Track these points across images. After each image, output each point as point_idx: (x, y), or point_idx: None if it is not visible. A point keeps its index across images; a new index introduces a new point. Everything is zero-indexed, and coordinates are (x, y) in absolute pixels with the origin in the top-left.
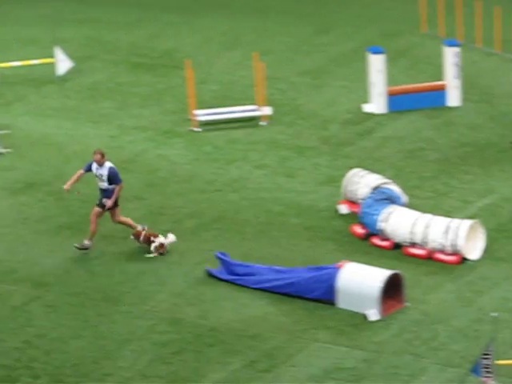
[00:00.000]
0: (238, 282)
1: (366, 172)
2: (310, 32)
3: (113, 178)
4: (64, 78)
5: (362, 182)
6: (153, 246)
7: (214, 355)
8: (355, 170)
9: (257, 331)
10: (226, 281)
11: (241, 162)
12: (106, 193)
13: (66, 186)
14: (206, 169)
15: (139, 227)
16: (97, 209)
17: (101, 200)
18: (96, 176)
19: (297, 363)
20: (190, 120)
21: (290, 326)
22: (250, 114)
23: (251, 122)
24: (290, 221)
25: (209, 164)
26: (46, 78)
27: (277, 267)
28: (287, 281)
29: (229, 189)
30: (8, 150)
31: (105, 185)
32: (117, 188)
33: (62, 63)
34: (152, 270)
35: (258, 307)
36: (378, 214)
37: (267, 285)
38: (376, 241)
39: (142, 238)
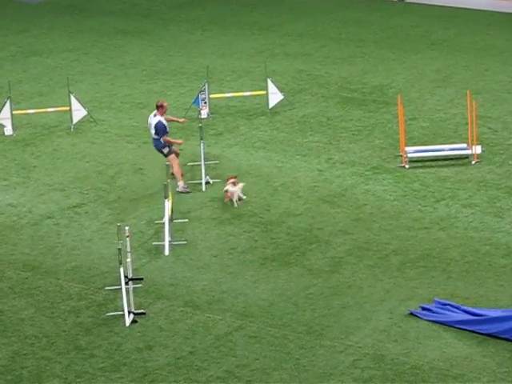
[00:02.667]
0: (442, 321)
1: None
2: None
3: (157, 129)
4: (275, 111)
5: None
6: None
7: None
8: None
9: (460, 372)
10: (430, 321)
11: (449, 201)
12: (156, 141)
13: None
14: (413, 206)
15: (181, 183)
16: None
17: (158, 150)
18: (148, 124)
19: None
20: (399, 156)
21: (494, 367)
22: (460, 152)
23: (461, 160)
24: (498, 261)
25: (416, 201)
26: (257, 110)
27: (481, 308)
28: (493, 322)
29: (436, 227)
30: (216, 180)
31: (153, 134)
32: (165, 138)
33: (274, 96)
34: (356, 304)
35: (462, 347)
36: None
37: (471, 326)
38: None
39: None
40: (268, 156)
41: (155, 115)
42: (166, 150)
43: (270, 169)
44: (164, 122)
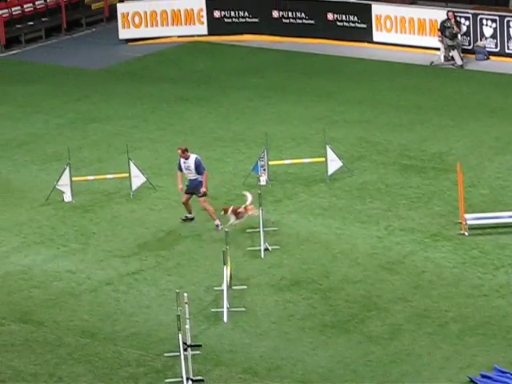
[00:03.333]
0: None
1: None
2: None
3: (198, 167)
4: (334, 178)
5: None
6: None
7: None
8: None
9: None
10: None
11: (508, 268)
12: (195, 182)
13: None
14: (472, 273)
15: (217, 221)
16: (198, 198)
17: (195, 189)
18: (185, 169)
19: None
20: (458, 223)
21: None
22: None
23: None
24: None
25: (476, 268)
26: (316, 177)
27: None
28: None
29: (495, 294)
30: (275, 246)
31: (192, 175)
32: (204, 176)
33: (333, 163)
34: (415, 372)
35: None
36: None
37: None
38: None
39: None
40: (327, 223)
41: (187, 158)
42: (202, 190)
43: (328, 236)
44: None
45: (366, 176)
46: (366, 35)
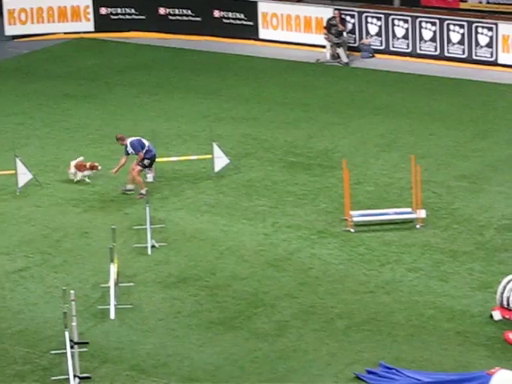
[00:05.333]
0: None
1: None
2: (469, 136)
3: (134, 147)
4: (220, 175)
5: None
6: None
7: None
8: (510, 277)
9: None
10: None
11: (394, 265)
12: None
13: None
14: (358, 270)
15: (143, 191)
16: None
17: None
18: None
19: None
20: (344, 220)
21: None
22: (404, 216)
23: (406, 224)
24: (442, 325)
25: (362, 265)
26: (202, 174)
27: (426, 372)
28: None
29: (381, 291)
30: (162, 243)
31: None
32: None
33: (219, 160)
34: (302, 368)
35: None
36: None
37: None
38: None
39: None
40: (214, 220)
41: (123, 145)
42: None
43: (215, 232)
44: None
45: (252, 173)
46: (252, 32)
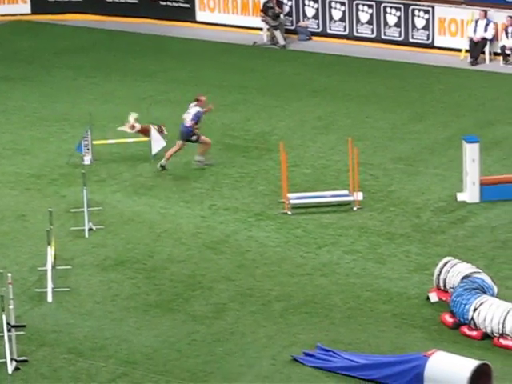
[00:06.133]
0: (325, 367)
1: (458, 261)
2: (406, 118)
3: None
4: (157, 157)
5: (453, 270)
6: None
7: None
8: (446, 259)
9: None
10: (313, 367)
11: (331, 247)
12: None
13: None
14: (296, 252)
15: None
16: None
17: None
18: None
19: None
20: (281, 203)
21: None
22: (341, 198)
23: (343, 206)
24: (379, 307)
25: (299, 247)
26: (139, 157)
27: (363, 354)
28: (374, 368)
29: (318, 273)
30: (99, 226)
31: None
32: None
33: (156, 142)
34: (239, 351)
35: None
36: (468, 304)
37: (354, 372)
38: (465, 330)
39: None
40: (151, 202)
41: (195, 105)
42: (194, 138)
43: (152, 215)
44: (202, 112)
45: (189, 156)
46: (189, 15)
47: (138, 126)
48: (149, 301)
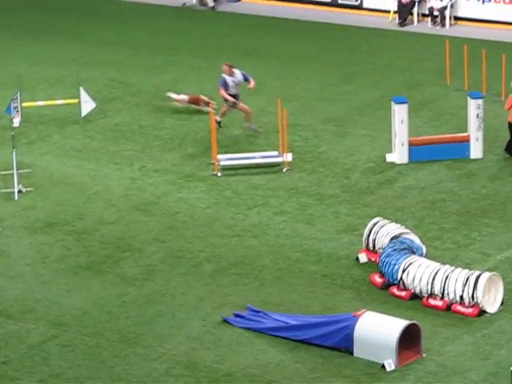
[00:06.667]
0: (255, 328)
1: (387, 221)
2: (336, 80)
3: (246, 76)
4: (87, 119)
5: (382, 231)
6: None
7: None
8: (376, 219)
9: (273, 378)
10: (243, 328)
11: (261, 208)
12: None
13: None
14: (226, 213)
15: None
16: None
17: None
18: (234, 85)
19: None
20: (211, 164)
21: (306, 373)
22: (271, 160)
23: (273, 168)
24: (309, 268)
25: (229, 209)
26: (69, 119)
27: (293, 315)
28: (304, 329)
29: (248, 234)
30: (29, 188)
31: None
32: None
33: (86, 104)
34: (170, 312)
35: (275, 354)
36: (397, 264)
37: (284, 332)
38: (395, 291)
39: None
40: (81, 164)
41: (232, 74)
42: (229, 103)
43: (82, 177)
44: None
45: (119, 117)
46: None
47: (185, 97)
48: (79, 263)
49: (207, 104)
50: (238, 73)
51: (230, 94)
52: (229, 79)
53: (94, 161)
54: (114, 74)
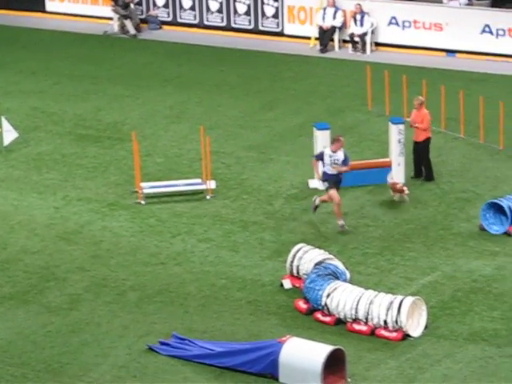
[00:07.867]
0: (180, 356)
1: (310, 247)
2: (257, 107)
3: (345, 160)
4: (9, 149)
5: (306, 257)
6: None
7: None
8: (299, 245)
9: None
10: (169, 356)
11: (185, 236)
12: (334, 176)
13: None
14: (150, 241)
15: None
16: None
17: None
18: (332, 162)
19: None
20: (134, 192)
21: None
22: (194, 187)
23: (196, 195)
24: (234, 295)
25: (153, 237)
26: None
27: (218, 342)
28: (229, 356)
29: (173, 262)
30: None
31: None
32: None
33: (8, 133)
34: (95, 341)
35: (201, 381)
36: (321, 290)
37: (209, 359)
38: (319, 316)
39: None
40: (3, 194)
41: (336, 151)
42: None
43: (5, 207)
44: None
45: (42, 146)
46: (38, 5)
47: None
48: (3, 293)
49: (400, 191)
50: (341, 153)
51: (327, 174)
52: (327, 154)
53: (17, 190)
54: (36, 103)
